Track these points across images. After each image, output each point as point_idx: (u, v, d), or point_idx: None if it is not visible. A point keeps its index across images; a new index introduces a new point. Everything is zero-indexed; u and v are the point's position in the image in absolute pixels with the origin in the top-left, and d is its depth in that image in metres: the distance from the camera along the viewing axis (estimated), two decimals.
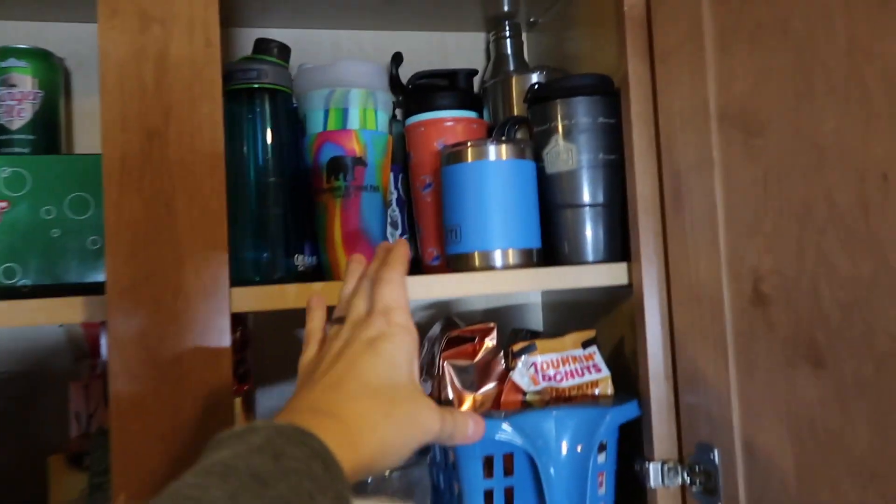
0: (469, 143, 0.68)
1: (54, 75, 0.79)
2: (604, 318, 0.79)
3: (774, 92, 0.53)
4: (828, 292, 0.47)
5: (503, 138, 0.72)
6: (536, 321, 1.00)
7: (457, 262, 0.69)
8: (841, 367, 0.47)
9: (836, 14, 0.46)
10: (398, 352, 0.41)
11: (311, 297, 0.51)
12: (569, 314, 0.91)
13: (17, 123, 0.75)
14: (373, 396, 0.38)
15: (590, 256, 0.70)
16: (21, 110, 0.75)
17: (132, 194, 0.54)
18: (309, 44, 0.93)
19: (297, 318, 0.90)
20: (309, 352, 0.46)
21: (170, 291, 0.55)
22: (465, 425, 0.43)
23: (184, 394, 0.54)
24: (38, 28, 0.85)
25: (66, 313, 0.56)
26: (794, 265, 0.53)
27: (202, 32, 0.55)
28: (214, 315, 0.55)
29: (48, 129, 0.78)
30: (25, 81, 0.76)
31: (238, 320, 0.77)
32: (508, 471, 0.64)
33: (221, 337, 0.55)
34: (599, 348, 0.73)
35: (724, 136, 0.58)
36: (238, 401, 0.74)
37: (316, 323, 0.49)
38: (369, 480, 0.65)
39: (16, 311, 0.56)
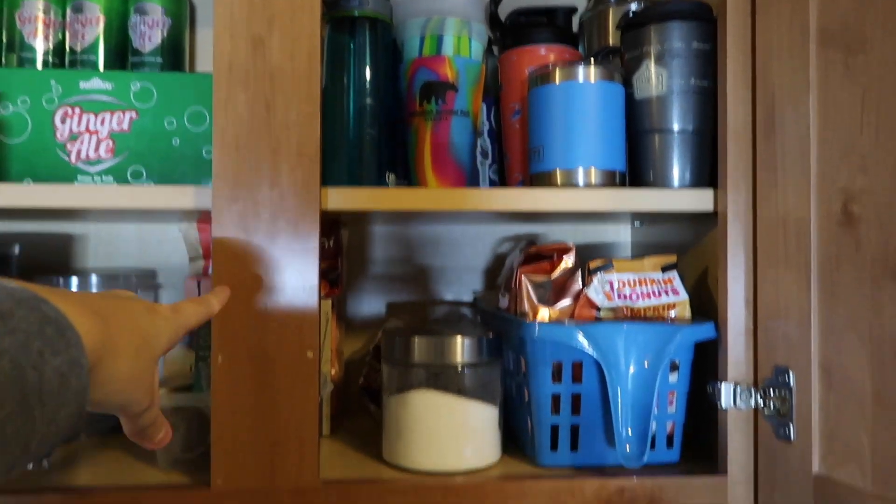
0: (558, 65, 0.69)
1: (181, 6, 0.87)
2: (689, 253, 0.78)
3: (881, 6, 0.51)
4: None
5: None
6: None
7: (538, 181, 0.70)
8: None
9: None
10: (166, 329, 0.43)
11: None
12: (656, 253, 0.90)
13: (148, 47, 0.84)
14: (134, 331, 0.39)
15: (675, 182, 0.69)
16: (151, 35, 0.84)
17: (237, 95, 0.59)
18: None
19: (386, 234, 0.95)
20: None
21: (266, 184, 0.60)
22: (156, 431, 0.43)
23: (274, 272, 0.60)
24: None
25: (179, 199, 0.62)
26: (889, 184, 0.52)
27: None
28: (305, 208, 0.60)
29: (174, 54, 0.86)
30: (156, 10, 0.84)
31: (332, 230, 0.82)
32: (577, 378, 0.66)
33: (311, 229, 0.60)
34: (680, 275, 0.72)
35: (823, 59, 0.57)
36: (328, 303, 0.79)
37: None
38: None
39: (139, 195, 0.63)
